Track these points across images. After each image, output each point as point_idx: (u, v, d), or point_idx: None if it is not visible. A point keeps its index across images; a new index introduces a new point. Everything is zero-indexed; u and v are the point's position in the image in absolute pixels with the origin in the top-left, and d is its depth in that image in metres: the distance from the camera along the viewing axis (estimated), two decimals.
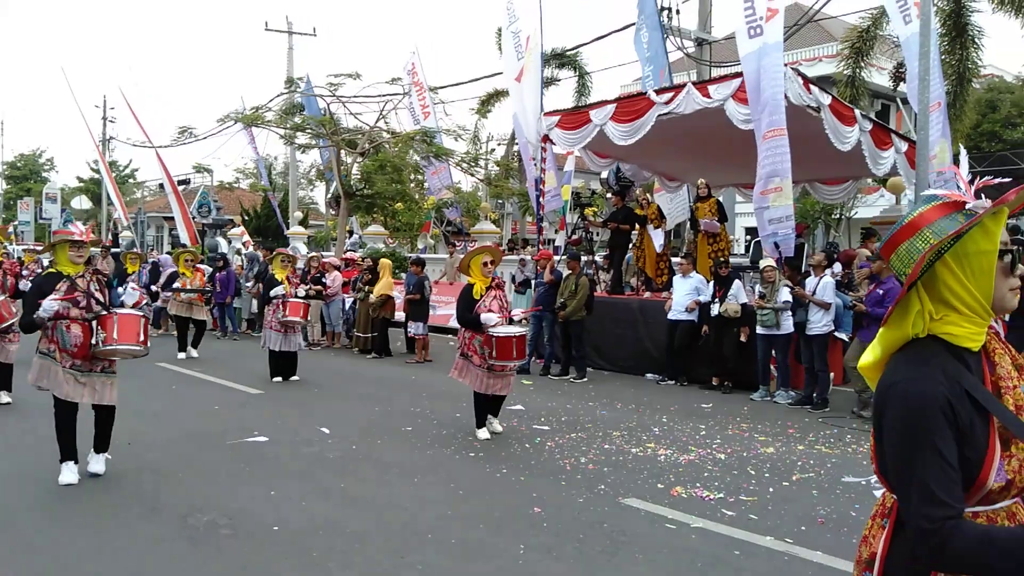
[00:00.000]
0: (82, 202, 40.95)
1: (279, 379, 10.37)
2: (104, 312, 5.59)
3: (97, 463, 5.85)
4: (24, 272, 10.27)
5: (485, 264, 7.35)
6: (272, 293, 10.43)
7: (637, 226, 13.41)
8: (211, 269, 15.67)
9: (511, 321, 7.45)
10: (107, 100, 38.13)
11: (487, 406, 7.47)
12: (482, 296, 7.26)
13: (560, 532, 4.90)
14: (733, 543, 4.78)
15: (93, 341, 5.50)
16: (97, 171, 36.12)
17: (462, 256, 17.56)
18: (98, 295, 5.68)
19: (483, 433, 7.37)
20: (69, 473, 5.63)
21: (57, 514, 5.06)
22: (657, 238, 13.16)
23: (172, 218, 27.39)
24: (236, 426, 7.63)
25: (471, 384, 7.30)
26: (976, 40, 16.64)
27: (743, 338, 10.14)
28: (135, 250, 19.04)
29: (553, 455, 6.81)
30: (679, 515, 5.25)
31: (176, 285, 13.33)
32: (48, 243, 5.85)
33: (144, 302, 6.10)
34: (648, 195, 14.52)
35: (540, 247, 15.32)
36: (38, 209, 40.99)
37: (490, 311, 7.17)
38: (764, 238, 10.46)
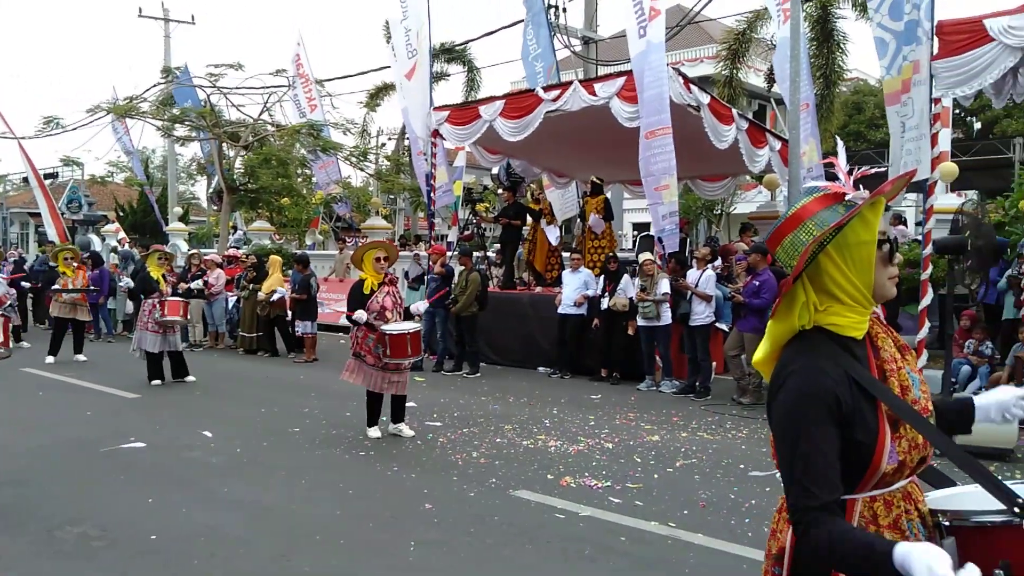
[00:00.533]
0: None
1: (158, 382, 9.93)
2: None
3: None
4: None
5: (378, 260, 7.22)
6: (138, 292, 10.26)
7: (530, 220, 13.57)
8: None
9: (408, 317, 7.34)
10: None
11: (380, 405, 7.36)
12: (374, 292, 7.15)
13: (451, 527, 4.91)
14: (620, 529, 4.91)
15: None
16: None
17: (352, 252, 17.29)
18: None
19: (374, 432, 7.26)
20: None
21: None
22: (551, 233, 13.38)
23: (39, 214, 25.74)
24: (111, 432, 7.25)
25: (364, 384, 7.18)
26: (841, 45, 17.67)
27: (631, 331, 10.42)
28: None
29: (445, 451, 6.81)
30: (568, 504, 5.35)
31: (57, 285, 12.44)
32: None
33: (8, 303, 5.74)
34: (543, 191, 14.71)
35: (432, 243, 15.26)
36: None
37: (383, 307, 7.06)
38: (658, 232, 10.77)
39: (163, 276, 10.26)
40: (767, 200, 16.18)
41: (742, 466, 6.46)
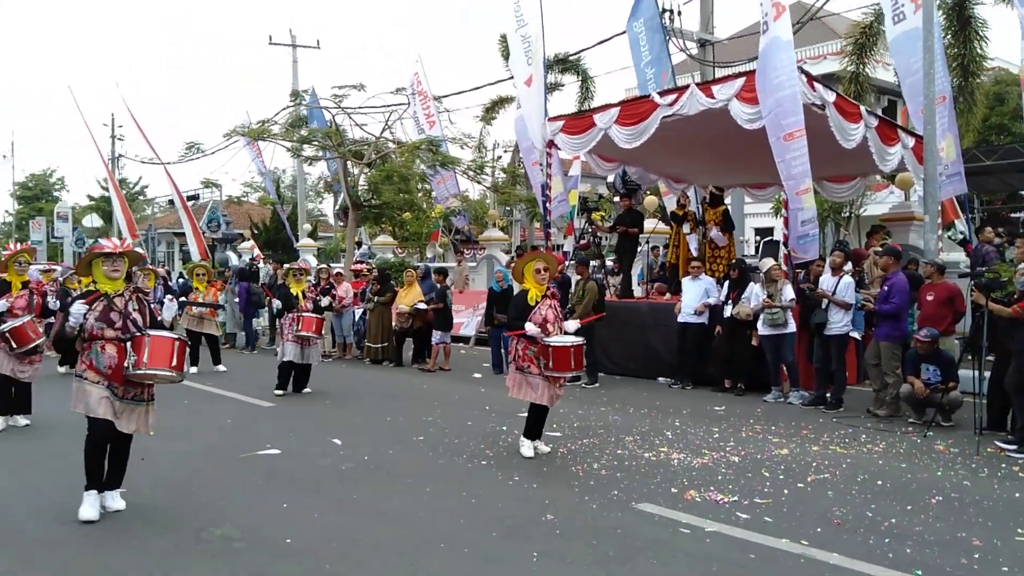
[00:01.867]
0: (93, 220, 41.24)
1: (280, 392, 10.24)
2: (139, 333, 5.23)
3: (114, 499, 5.43)
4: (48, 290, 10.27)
5: (538, 271, 6.93)
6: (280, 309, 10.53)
7: (674, 226, 13.46)
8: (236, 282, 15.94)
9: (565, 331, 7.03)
10: (115, 118, 38.48)
11: (544, 419, 7.11)
12: (537, 303, 6.88)
13: (573, 538, 4.88)
14: (748, 546, 4.75)
15: (126, 364, 5.14)
16: (107, 189, 36.38)
17: (472, 264, 17.51)
18: (136, 315, 5.33)
19: (528, 449, 6.96)
20: (90, 508, 5.21)
21: (68, 528, 5.07)
22: (692, 242, 13.21)
23: (183, 234, 27.59)
24: (249, 439, 7.64)
25: (531, 397, 6.87)
26: (980, 33, 16.55)
27: (755, 341, 10.08)
28: (150, 266, 19.14)
29: (566, 461, 6.79)
30: (693, 519, 5.22)
31: (188, 298, 13.32)
32: (82, 260, 5.55)
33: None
34: (687, 197, 14.50)
35: (558, 253, 15.31)
36: (50, 229, 41.30)
37: (545, 319, 6.82)
38: (795, 240, 10.39)
39: (303, 292, 10.58)
40: (900, 201, 15.33)
41: (879, 482, 6.12)
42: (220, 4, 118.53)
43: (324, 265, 14.46)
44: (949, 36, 16.15)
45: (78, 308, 5.18)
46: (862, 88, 17.80)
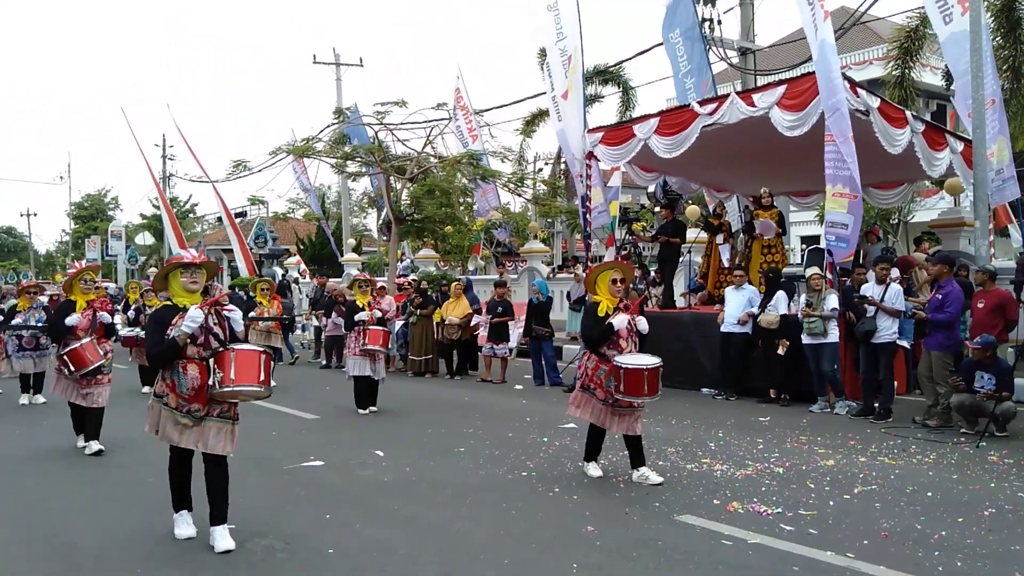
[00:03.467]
0: (145, 238, 42.34)
1: (364, 411, 9.96)
2: (222, 349, 4.91)
3: (223, 538, 4.92)
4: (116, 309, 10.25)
5: (614, 281, 6.46)
6: (356, 317, 10.01)
7: (709, 235, 13.39)
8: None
9: (641, 348, 6.51)
10: (166, 138, 39.52)
11: (601, 441, 6.72)
12: (608, 316, 6.41)
13: (613, 550, 4.85)
14: (792, 559, 4.67)
15: (210, 382, 4.82)
16: (158, 207, 37.32)
17: (513, 276, 17.48)
18: (217, 330, 5.01)
19: (594, 469, 6.60)
20: (185, 525, 5.08)
21: (119, 540, 5.19)
22: (724, 252, 13.11)
23: (231, 250, 28.19)
24: (293, 451, 7.74)
25: (590, 418, 6.48)
26: None
27: (781, 351, 9.95)
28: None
29: (607, 473, 6.75)
30: (736, 531, 5.15)
31: (253, 314, 13.27)
32: (160, 273, 5.24)
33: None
34: (724, 207, 14.40)
35: (589, 264, 15.29)
36: (104, 247, 42.51)
37: (618, 335, 6.33)
38: (831, 241, 10.25)
39: (368, 304, 10.15)
40: (949, 206, 14.97)
41: (929, 494, 5.97)
42: (268, 26, 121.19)
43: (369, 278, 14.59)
44: (999, 38, 15.77)
45: (195, 313, 4.82)
46: (908, 93, 17.47)
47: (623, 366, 6.19)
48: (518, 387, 12.28)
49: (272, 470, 7.05)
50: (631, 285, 11.26)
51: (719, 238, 13.32)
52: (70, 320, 7.66)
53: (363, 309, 10.04)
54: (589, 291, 6.80)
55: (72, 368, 7.51)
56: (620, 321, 6.28)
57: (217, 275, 6.71)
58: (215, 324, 5.02)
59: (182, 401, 4.88)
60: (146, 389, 12.02)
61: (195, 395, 4.87)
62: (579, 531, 5.22)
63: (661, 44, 16.21)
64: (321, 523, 5.48)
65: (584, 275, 7.02)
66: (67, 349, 7.55)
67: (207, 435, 4.93)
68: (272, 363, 5.02)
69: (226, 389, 4.79)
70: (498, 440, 8.17)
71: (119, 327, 8.55)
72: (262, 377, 4.87)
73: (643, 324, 6.48)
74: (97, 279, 8.68)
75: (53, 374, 8.09)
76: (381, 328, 10.00)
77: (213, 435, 4.94)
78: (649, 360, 6.28)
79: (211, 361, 4.85)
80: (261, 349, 5.01)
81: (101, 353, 7.69)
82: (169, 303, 5.05)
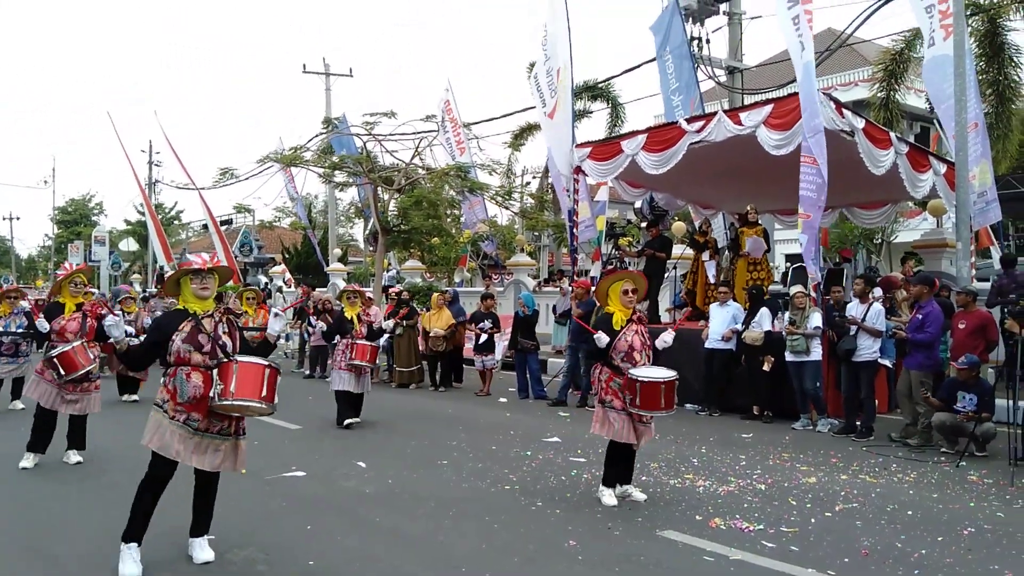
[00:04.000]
0: (129, 244, 42.09)
1: (354, 420, 9.75)
2: (226, 359, 4.71)
3: (202, 549, 4.87)
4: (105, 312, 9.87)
5: (626, 292, 6.28)
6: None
7: (695, 252, 13.47)
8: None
9: (655, 360, 6.33)
10: (152, 145, 39.36)
11: (619, 462, 6.34)
12: (622, 328, 6.23)
13: (595, 565, 4.85)
14: (773, 575, 4.68)
15: (211, 394, 4.62)
16: (143, 213, 37.10)
17: (499, 289, 17.49)
18: (226, 339, 4.82)
19: (609, 498, 6.21)
20: (132, 563, 4.62)
21: (97, 550, 5.13)
22: (710, 269, 13.19)
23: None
24: (275, 461, 7.68)
25: (610, 435, 6.18)
26: (1014, 59, 16.38)
27: (766, 367, 10.02)
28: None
29: (589, 487, 6.75)
30: (718, 547, 5.16)
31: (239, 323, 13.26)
32: (171, 277, 4.99)
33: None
34: (710, 224, 14.49)
35: (575, 278, 15.34)
36: (88, 252, 42.17)
37: (631, 347, 6.14)
38: (811, 262, 10.36)
39: (357, 316, 9.86)
40: (932, 227, 15.15)
41: (910, 512, 6.01)
42: (257, 35, 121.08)
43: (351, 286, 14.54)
44: (982, 62, 16.00)
45: (111, 319, 4.94)
46: (893, 115, 17.69)
47: (639, 379, 5.98)
48: (502, 400, 12.26)
49: (253, 480, 6.99)
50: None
51: (705, 255, 13.42)
52: (40, 324, 7.53)
53: (351, 321, 9.80)
54: (600, 302, 6.64)
55: (62, 371, 7.11)
56: (599, 338, 6.13)
57: (229, 280, 6.52)
58: (224, 333, 4.82)
59: (179, 409, 4.67)
60: (125, 397, 11.97)
61: (195, 405, 4.66)
62: (561, 545, 5.21)
63: (651, 61, 16.36)
64: (303, 534, 5.44)
65: (572, 288, 6.83)
66: (57, 351, 7.14)
67: (204, 452, 4.72)
68: (278, 378, 4.78)
69: (225, 402, 4.60)
70: (482, 453, 8.16)
71: (129, 332, 8.00)
72: (264, 392, 4.65)
73: (668, 338, 6.30)
74: (87, 282, 8.35)
75: (32, 378, 7.52)
76: (370, 343, 9.75)
77: (211, 452, 4.74)
78: (665, 373, 6.10)
79: (215, 372, 4.66)
80: (267, 363, 4.75)
81: (92, 357, 7.35)
82: (178, 308, 4.89)
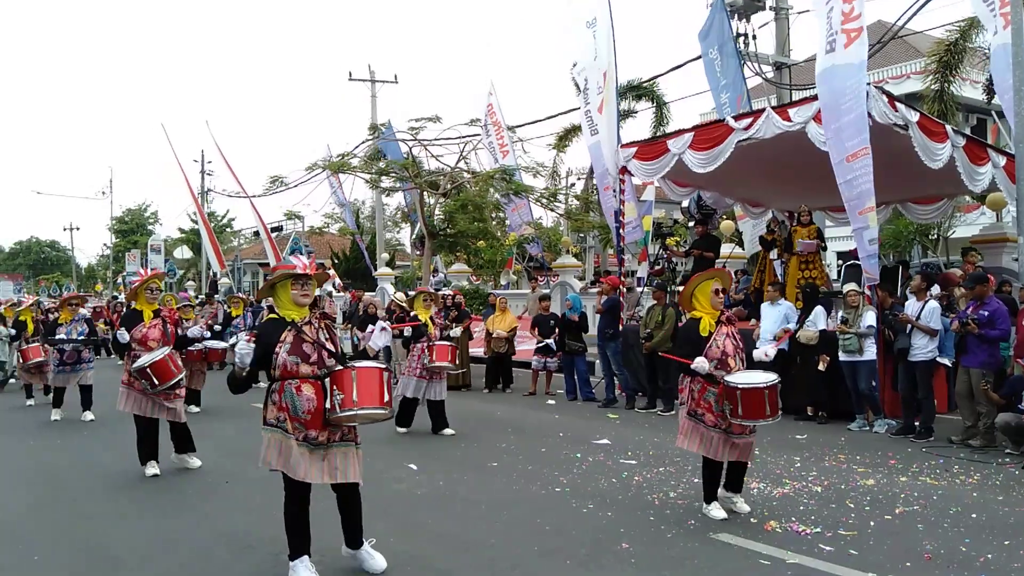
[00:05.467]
0: (183, 252, 43.07)
1: (403, 430, 9.53)
2: (340, 367, 4.41)
3: (371, 556, 4.76)
4: (191, 321, 9.56)
5: (716, 292, 5.80)
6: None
7: (763, 251, 13.28)
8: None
9: (751, 364, 5.93)
10: (204, 154, 40.24)
11: (720, 475, 5.89)
12: (711, 334, 5.73)
13: (648, 568, 4.80)
14: None
15: (328, 405, 4.35)
16: (196, 222, 37.94)
17: (546, 291, 17.45)
18: (329, 345, 4.55)
19: (718, 511, 5.75)
20: (307, 574, 4.55)
21: (154, 550, 5.25)
22: (778, 268, 13.02)
23: (267, 264, 28.58)
24: None
25: (702, 451, 5.78)
26: None
27: (821, 367, 9.81)
28: (239, 294, 19.77)
29: (641, 490, 6.69)
30: (774, 550, 5.07)
31: None
32: (267, 282, 4.71)
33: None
34: (778, 221, 14.27)
35: (623, 279, 15.24)
36: (144, 260, 43.28)
37: (724, 353, 5.65)
38: (865, 259, 10.11)
39: (431, 319, 9.60)
40: (991, 222, 14.69)
41: (974, 515, 5.83)
42: (304, 44, 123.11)
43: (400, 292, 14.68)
44: None
45: (243, 347, 4.47)
46: (948, 107, 17.21)
47: (738, 386, 5.47)
48: (551, 402, 12.24)
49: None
50: (668, 303, 11.27)
51: (773, 253, 13.21)
52: (121, 335, 7.22)
53: (426, 325, 9.52)
54: (685, 307, 6.19)
55: (156, 381, 6.93)
56: (701, 365, 5.56)
57: (326, 283, 6.36)
58: (327, 339, 4.56)
59: (299, 426, 4.38)
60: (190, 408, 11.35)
61: (312, 419, 4.37)
62: (613, 548, 5.17)
63: (695, 59, 16.18)
64: None
65: (683, 290, 5.90)
66: (148, 360, 6.94)
67: (334, 463, 4.45)
68: (393, 380, 4.50)
69: (347, 412, 4.31)
70: (531, 455, 8.15)
71: (206, 335, 7.87)
72: (386, 398, 4.41)
73: (771, 351, 5.93)
74: (162, 287, 8.17)
75: (121, 390, 7.28)
76: (448, 343, 9.45)
77: (340, 461, 4.47)
78: (766, 377, 5.57)
79: (327, 381, 4.38)
80: (383, 366, 4.52)
81: (180, 364, 7.30)
82: (275, 316, 4.59)
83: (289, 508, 4.57)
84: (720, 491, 5.91)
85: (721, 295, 5.83)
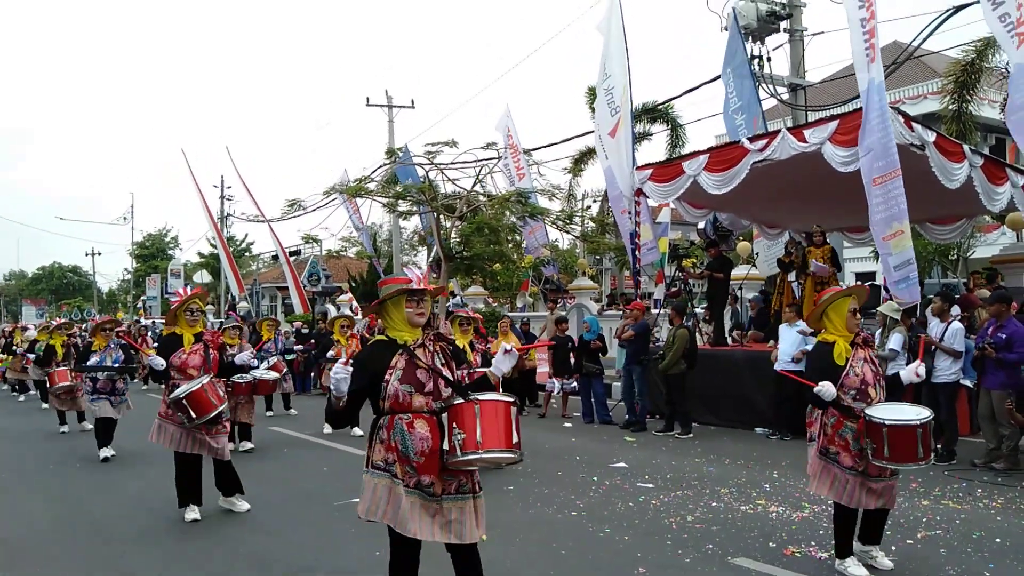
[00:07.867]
0: (203, 276, 43.44)
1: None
2: (459, 399, 3.63)
3: None
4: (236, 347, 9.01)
5: (854, 312, 5.03)
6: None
7: (782, 273, 13.22)
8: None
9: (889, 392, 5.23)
10: (224, 179, 40.70)
11: (855, 526, 5.07)
12: (848, 361, 4.98)
13: None
14: None
15: (446, 446, 3.58)
16: (215, 247, 38.30)
17: (562, 313, 17.46)
18: (446, 372, 3.77)
19: (857, 569, 4.90)
20: None
21: (170, 573, 5.26)
22: (797, 290, 12.99)
23: (285, 287, 28.77)
24: (343, 488, 7.76)
25: (835, 496, 4.98)
26: None
27: None
28: (272, 316, 19.75)
29: (658, 513, 6.64)
30: (793, 575, 5.00)
31: (331, 354, 12.60)
32: (379, 300, 3.88)
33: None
34: (795, 242, 14.23)
35: (638, 299, 15.21)
36: (164, 285, 43.70)
37: (864, 381, 4.93)
38: (893, 285, 10.04)
39: (470, 344, 8.87)
40: (1012, 242, 14.56)
41: (998, 540, 5.73)
42: (323, 70, 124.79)
43: None
44: None
45: (339, 371, 3.74)
46: (966, 127, 17.13)
47: (885, 422, 4.66)
48: (567, 425, 12.19)
49: (322, 506, 7.10)
50: (681, 324, 11.23)
51: (791, 275, 13.16)
52: (153, 362, 6.50)
53: (465, 351, 9.05)
54: (813, 326, 5.45)
55: (193, 414, 6.15)
56: (827, 392, 4.83)
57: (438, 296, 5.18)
58: (443, 365, 3.78)
59: (410, 470, 3.64)
60: (242, 446, 10.07)
61: (426, 462, 3.63)
62: (630, 573, 5.13)
63: (710, 81, 16.21)
64: (370, 560, 5.47)
65: (813, 310, 5.41)
66: (184, 391, 6.16)
67: (449, 519, 3.70)
68: (520, 414, 3.76)
69: (471, 456, 3.54)
70: (548, 478, 8.11)
71: (254, 364, 7.24)
72: (515, 438, 3.60)
73: (922, 371, 5.21)
74: (204, 308, 7.28)
75: (155, 422, 6.56)
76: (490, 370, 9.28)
77: (456, 517, 3.71)
78: (916, 412, 4.82)
79: (443, 416, 3.63)
80: (511, 399, 3.70)
81: (223, 395, 6.54)
82: (384, 338, 3.83)
83: (396, 569, 3.84)
84: (859, 544, 5.12)
85: (858, 316, 5.09)
